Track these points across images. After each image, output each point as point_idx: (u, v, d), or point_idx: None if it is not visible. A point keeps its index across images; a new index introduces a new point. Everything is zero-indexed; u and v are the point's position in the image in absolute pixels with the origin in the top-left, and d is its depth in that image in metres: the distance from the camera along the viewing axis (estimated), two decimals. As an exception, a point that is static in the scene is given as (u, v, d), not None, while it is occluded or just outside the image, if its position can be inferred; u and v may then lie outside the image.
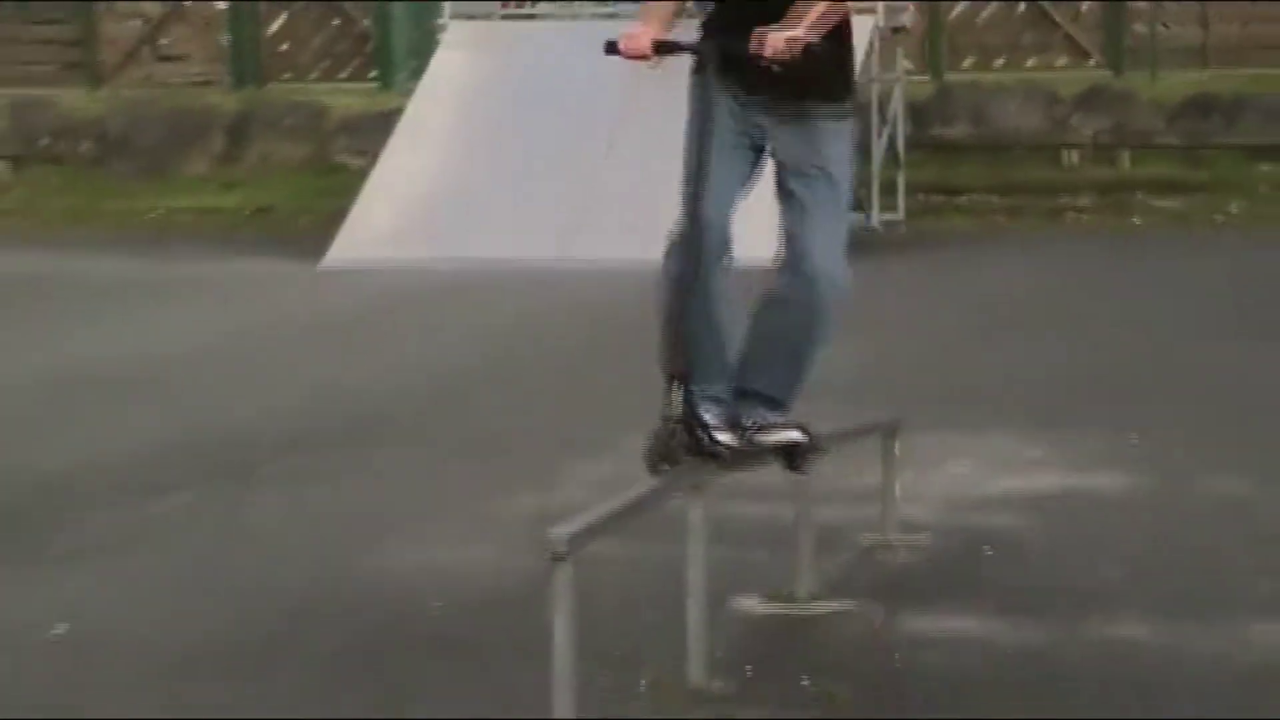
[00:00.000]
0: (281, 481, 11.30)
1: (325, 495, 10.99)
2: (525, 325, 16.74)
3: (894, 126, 22.48)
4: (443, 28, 23.76)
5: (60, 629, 8.45)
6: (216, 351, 15.99)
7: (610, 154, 21.01)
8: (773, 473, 8.62)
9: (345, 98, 25.83)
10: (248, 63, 27.11)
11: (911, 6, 23.54)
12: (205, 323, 17.13)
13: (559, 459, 11.37)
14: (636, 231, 19.56)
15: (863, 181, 21.80)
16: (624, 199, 20.23)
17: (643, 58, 8.19)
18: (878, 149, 22.14)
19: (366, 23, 27.15)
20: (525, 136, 21.43)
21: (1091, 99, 24.27)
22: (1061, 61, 25.92)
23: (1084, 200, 23.05)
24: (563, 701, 6.40)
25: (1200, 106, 23.82)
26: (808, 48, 7.81)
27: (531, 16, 24.37)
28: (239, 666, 7.84)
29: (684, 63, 8.12)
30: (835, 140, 8.30)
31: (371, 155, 22.37)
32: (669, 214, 20.53)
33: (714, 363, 7.96)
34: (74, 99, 26.18)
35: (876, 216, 21.90)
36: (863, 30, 21.57)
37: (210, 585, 9.01)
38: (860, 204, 21.69)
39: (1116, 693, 7.50)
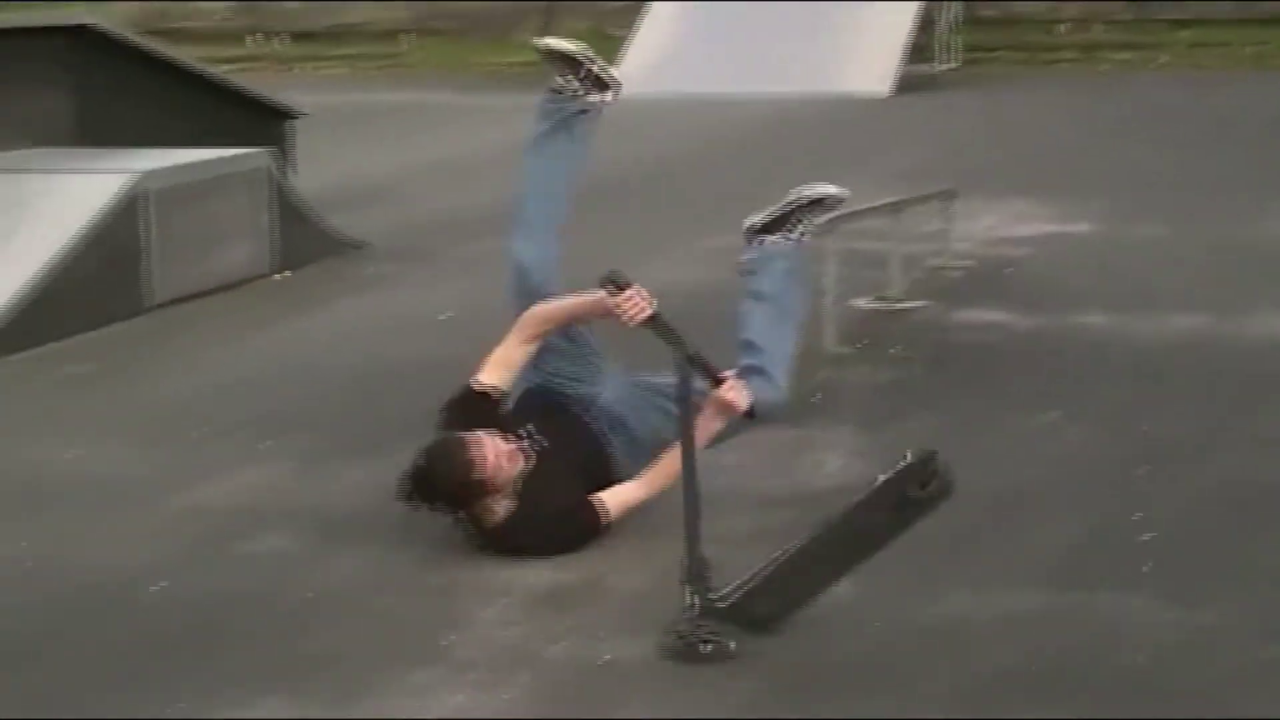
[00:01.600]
0: (573, 225, 11.26)
1: (588, 236, 10.93)
2: (725, 132, 16.65)
3: (953, 9, 22.00)
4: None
5: (445, 315, 8.53)
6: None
7: (784, 26, 20.73)
8: (877, 220, 8.58)
9: (613, -7, 25.57)
10: (554, -28, 26.87)
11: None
12: (528, 130, 17.11)
13: (741, 212, 11.30)
14: (804, 72, 19.59)
15: (931, 43, 21.48)
16: (793, 51, 20.11)
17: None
18: (941, 22, 21.71)
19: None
20: (723, 16, 21.20)
21: (1074, -9, 23.72)
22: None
23: (1069, 55, 22.64)
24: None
25: (1143, -4, 23.25)
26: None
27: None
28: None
29: None
30: None
31: (628, 29, 22.21)
32: (812, 58, 19.45)
33: None
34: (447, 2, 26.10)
35: (940, 65, 21.50)
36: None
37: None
38: (930, 56, 21.37)
39: (1083, 353, 7.48)
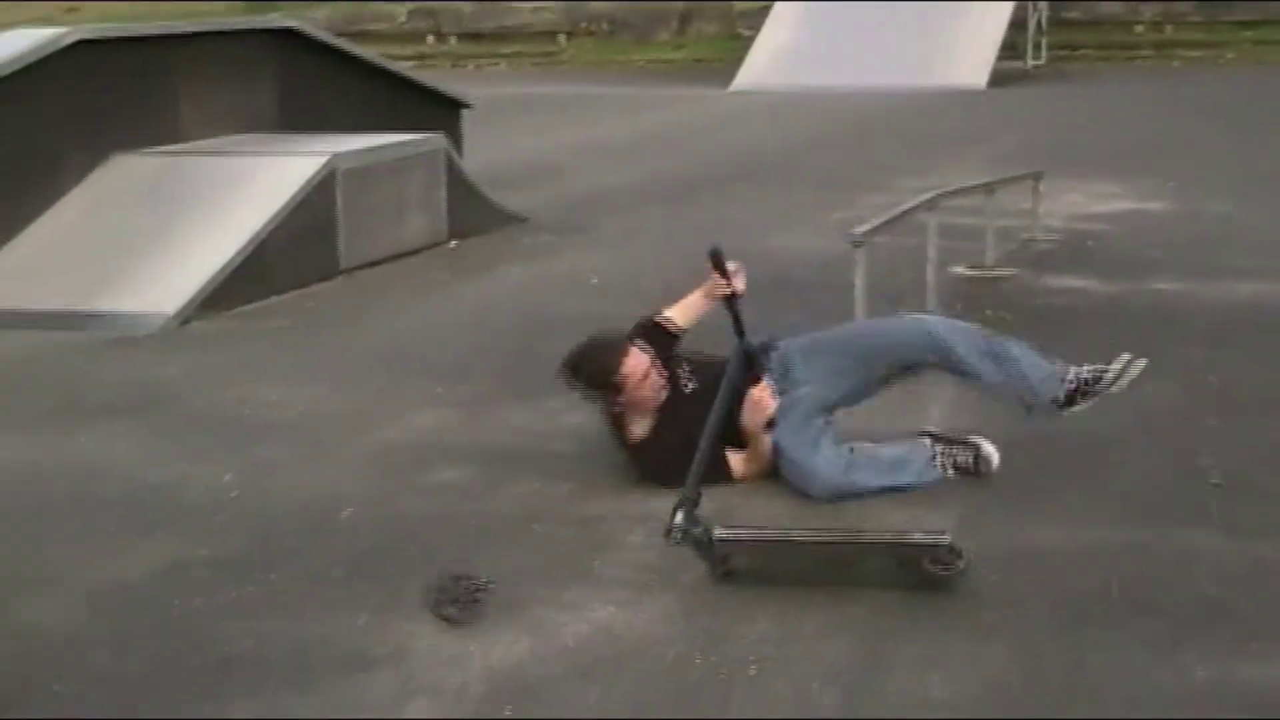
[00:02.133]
0: (710, 201, 11.30)
1: (735, 207, 10.97)
2: (840, 120, 16.51)
3: (1041, 12, 21.64)
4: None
5: (595, 279, 8.52)
6: (675, 130, 15.96)
7: (892, 27, 20.50)
8: (974, 197, 8.47)
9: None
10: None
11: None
12: (669, 117, 17.08)
13: (855, 190, 11.24)
14: (909, 68, 19.36)
15: (1021, 42, 21.12)
16: (900, 50, 19.91)
17: None
18: (1031, 24, 21.36)
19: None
20: (839, 19, 21.02)
21: (1150, -4, 23.28)
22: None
23: (1146, 52, 22.26)
24: (860, 315, 6.35)
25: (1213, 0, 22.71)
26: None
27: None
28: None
29: None
30: None
31: (755, 30, 22.05)
32: (917, 55, 19.35)
33: None
34: (597, 2, 26.01)
35: (1030, 62, 21.17)
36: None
37: (671, 255, 8.98)
38: (1021, 54, 21.02)
39: (1158, 316, 7.34)
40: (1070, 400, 5.09)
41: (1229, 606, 4.08)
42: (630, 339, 5.13)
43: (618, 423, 5.12)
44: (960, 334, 5.22)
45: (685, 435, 4.82)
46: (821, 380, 5.16)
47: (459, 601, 4.10)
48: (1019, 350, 5.18)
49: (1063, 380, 5.10)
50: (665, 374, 5.09)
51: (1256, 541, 4.51)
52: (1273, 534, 4.57)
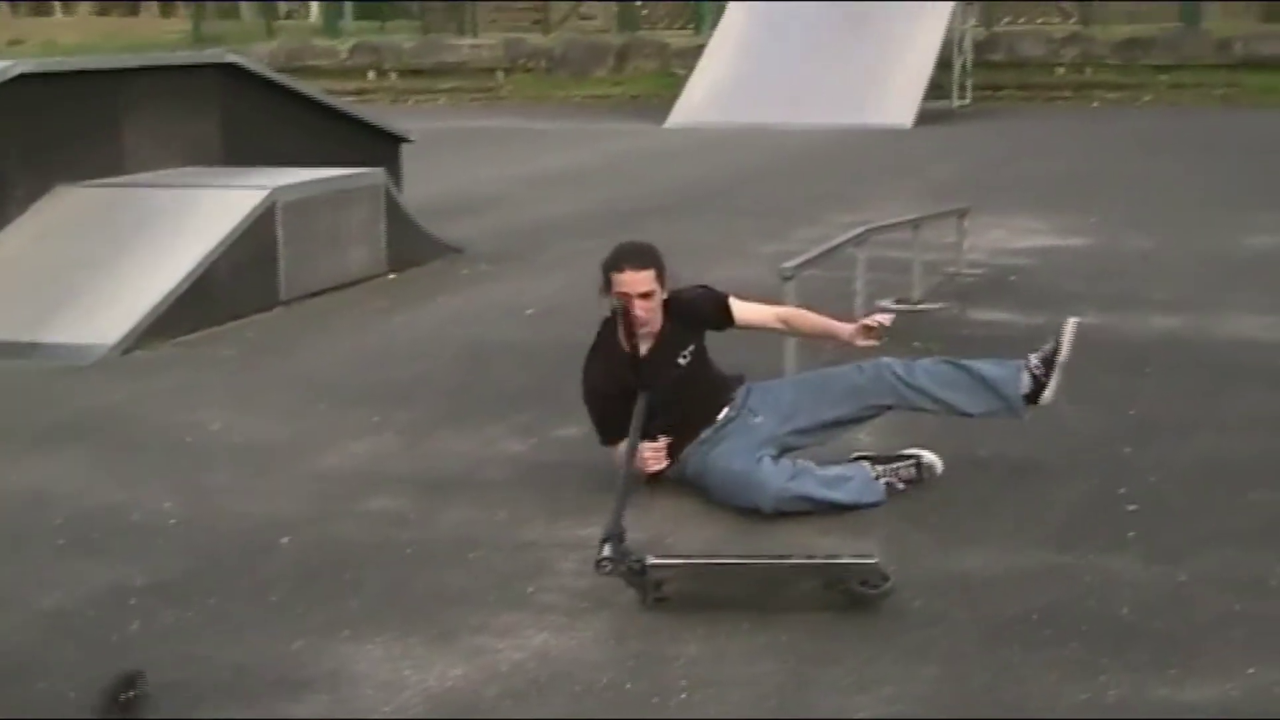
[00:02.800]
0: (646, 232, 11.13)
1: (671, 239, 10.84)
2: (773, 156, 16.57)
3: (966, 54, 21.82)
4: None
5: (530, 310, 8.50)
6: (612, 164, 15.97)
7: (823, 66, 20.62)
8: (901, 233, 8.51)
9: (676, 38, 25.46)
10: (627, 20, 26.76)
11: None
12: (606, 151, 17.09)
13: (787, 224, 11.28)
14: (839, 106, 19.47)
15: (947, 82, 21.26)
16: (830, 88, 20.01)
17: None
18: (956, 65, 21.53)
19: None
20: (772, 58, 21.14)
21: (1070, 40, 23.47)
22: (1055, 19, 25.17)
23: (1066, 93, 22.50)
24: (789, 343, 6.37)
25: (1130, 44, 22.96)
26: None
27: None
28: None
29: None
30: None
31: (690, 68, 22.11)
32: (846, 95, 19.45)
33: None
34: (536, 39, 26.06)
35: (956, 101, 21.33)
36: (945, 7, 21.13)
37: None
38: (947, 94, 21.17)
39: (1078, 347, 7.34)
40: (1039, 390, 5.21)
41: (1145, 630, 4.11)
42: (676, 284, 5.19)
43: (614, 316, 5.17)
44: (922, 373, 5.27)
45: (629, 385, 4.98)
46: (774, 414, 5.21)
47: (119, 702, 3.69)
48: (979, 364, 5.30)
49: (1023, 371, 5.22)
50: (648, 320, 5.09)
51: (1173, 566, 4.55)
52: (1188, 559, 4.61)
